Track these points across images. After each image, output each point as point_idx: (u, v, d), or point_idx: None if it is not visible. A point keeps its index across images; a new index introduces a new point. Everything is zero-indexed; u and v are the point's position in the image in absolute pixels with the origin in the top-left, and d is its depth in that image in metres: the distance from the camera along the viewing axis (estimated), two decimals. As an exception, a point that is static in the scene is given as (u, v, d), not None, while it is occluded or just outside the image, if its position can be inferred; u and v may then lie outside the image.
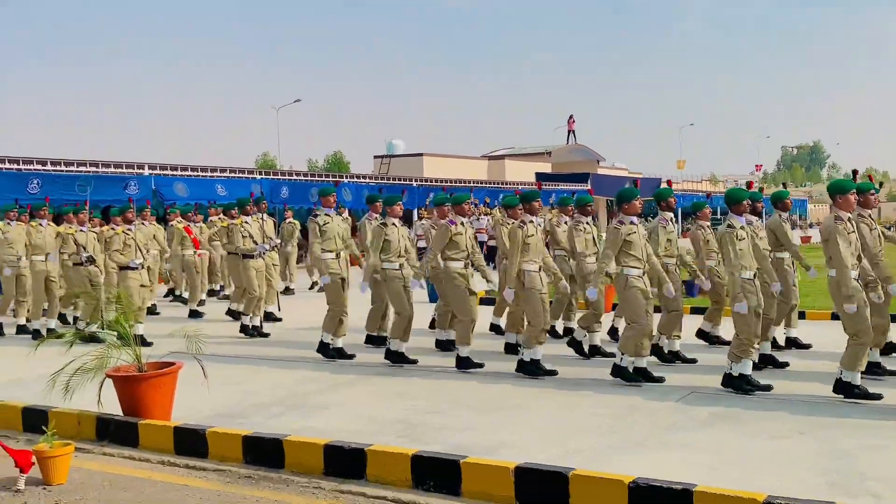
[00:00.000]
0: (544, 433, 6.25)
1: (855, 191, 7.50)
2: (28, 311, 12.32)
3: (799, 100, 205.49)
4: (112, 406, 6.59)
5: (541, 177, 43.13)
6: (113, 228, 11.11)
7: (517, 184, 35.40)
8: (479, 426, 6.50)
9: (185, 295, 15.26)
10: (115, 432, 6.49)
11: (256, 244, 11.73)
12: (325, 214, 9.93)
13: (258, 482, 5.53)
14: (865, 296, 7.24)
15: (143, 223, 13.31)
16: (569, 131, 62.17)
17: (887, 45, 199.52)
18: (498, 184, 37.90)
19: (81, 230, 11.76)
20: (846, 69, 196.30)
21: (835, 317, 11.41)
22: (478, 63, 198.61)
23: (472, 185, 28.67)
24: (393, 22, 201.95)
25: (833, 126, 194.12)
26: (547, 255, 8.85)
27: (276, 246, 12.78)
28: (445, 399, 7.48)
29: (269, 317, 12.54)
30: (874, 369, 7.70)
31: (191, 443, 6.15)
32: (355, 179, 29.74)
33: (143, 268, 11.05)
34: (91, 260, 11.59)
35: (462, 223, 8.96)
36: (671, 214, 9.09)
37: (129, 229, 11.00)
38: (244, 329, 11.47)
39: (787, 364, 8.42)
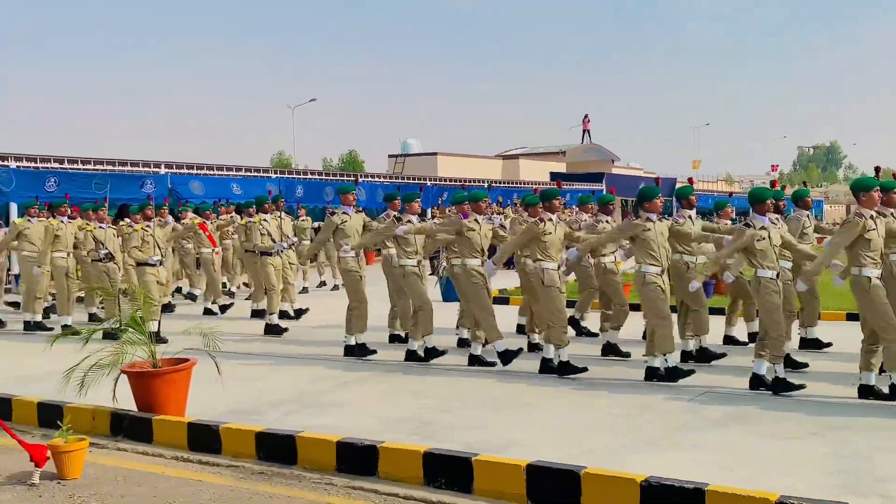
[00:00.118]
0: (557, 432, 6.26)
1: (878, 188, 7.45)
2: (42, 307, 12.45)
3: (816, 100, 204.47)
4: (127, 402, 6.64)
5: (555, 176, 43.09)
6: (131, 225, 11.20)
7: (532, 183, 35.37)
8: (491, 424, 6.51)
9: (196, 292, 15.29)
10: (129, 428, 6.54)
11: (275, 242, 11.79)
12: (344, 213, 9.97)
13: (271, 478, 5.56)
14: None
15: (160, 221, 13.37)
16: (584, 131, 62.06)
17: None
18: (512, 183, 37.87)
19: (101, 227, 11.84)
20: (863, 70, 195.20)
21: (850, 317, 11.40)
22: (493, 62, 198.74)
23: (488, 184, 28.65)
24: (408, 22, 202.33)
25: (850, 126, 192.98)
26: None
27: (293, 244, 12.83)
28: (459, 397, 7.49)
29: (284, 315, 12.57)
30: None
31: (204, 439, 6.19)
32: (370, 179, 29.81)
33: (160, 265, 11.12)
34: (110, 256, 11.67)
35: (476, 220, 8.94)
36: (691, 212, 9.02)
37: (147, 226, 11.08)
38: (269, 329, 11.45)
39: (806, 365, 8.37)
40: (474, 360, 8.87)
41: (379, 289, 10.68)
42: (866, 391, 7.07)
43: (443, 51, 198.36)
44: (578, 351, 8.87)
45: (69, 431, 5.67)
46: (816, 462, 5.42)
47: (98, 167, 20.93)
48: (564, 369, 8.19)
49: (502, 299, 13.49)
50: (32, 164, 19.70)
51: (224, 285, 16.46)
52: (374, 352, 9.54)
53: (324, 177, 29.50)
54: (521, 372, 8.47)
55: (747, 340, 9.59)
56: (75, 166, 20.50)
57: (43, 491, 5.35)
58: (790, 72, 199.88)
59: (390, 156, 47.99)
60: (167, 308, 13.46)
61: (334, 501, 5.11)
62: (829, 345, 9.22)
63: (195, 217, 15.22)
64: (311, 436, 5.87)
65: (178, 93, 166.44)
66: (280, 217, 12.34)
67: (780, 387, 7.28)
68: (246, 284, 16.34)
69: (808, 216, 9.17)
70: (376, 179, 29.72)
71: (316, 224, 18.07)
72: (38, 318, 12.25)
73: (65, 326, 11.60)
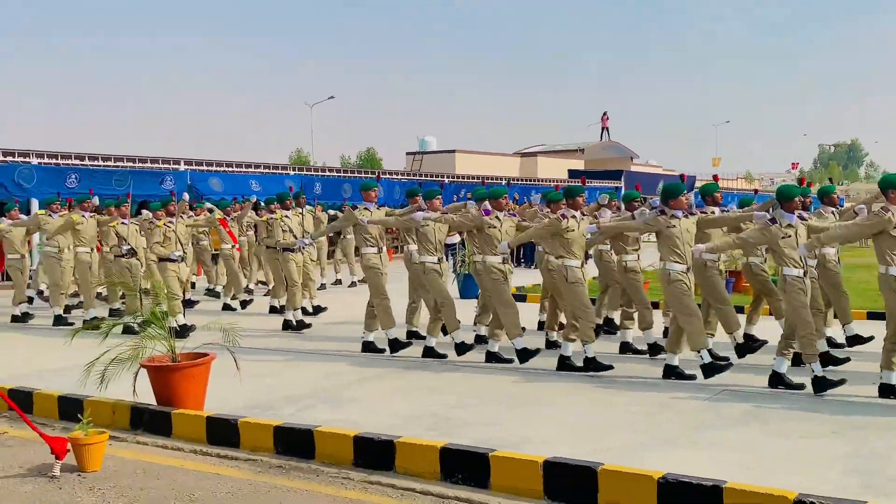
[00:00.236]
0: (574, 429, 6.25)
1: None
2: (63, 301, 12.57)
3: (837, 98, 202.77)
4: (146, 396, 6.69)
5: (573, 174, 43.02)
6: (153, 221, 11.28)
7: (550, 181, 35.29)
8: (508, 421, 6.51)
9: (218, 289, 15.38)
10: (148, 421, 6.59)
11: (296, 238, 11.83)
12: (366, 208, 9.97)
13: (289, 472, 5.58)
14: None
15: (182, 216, 13.44)
16: (602, 128, 61.99)
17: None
18: (530, 180, 37.82)
19: (123, 223, 11.89)
20: (886, 67, 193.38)
21: (871, 315, 11.32)
22: (511, 60, 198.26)
23: (508, 181, 28.57)
24: (426, 19, 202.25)
25: (871, 124, 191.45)
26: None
27: (314, 240, 12.86)
28: (476, 394, 7.49)
29: (304, 311, 12.58)
30: None
31: (223, 432, 6.23)
32: (387, 176, 29.85)
33: (182, 260, 11.19)
34: (132, 252, 11.72)
35: (497, 216, 8.89)
36: (716, 209, 8.86)
37: (170, 222, 11.14)
38: (289, 325, 11.50)
39: (848, 359, 8.27)
40: (491, 357, 8.87)
41: (400, 285, 10.69)
42: (887, 390, 7.01)
43: (461, 49, 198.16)
44: (600, 348, 8.85)
45: (89, 424, 5.71)
46: (835, 461, 5.38)
47: (118, 164, 21.10)
48: (590, 365, 8.17)
49: (519, 297, 13.44)
50: (53, 161, 19.89)
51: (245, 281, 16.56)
52: (410, 343, 9.52)
53: (342, 174, 29.59)
54: (538, 369, 8.46)
55: (768, 340, 9.53)
56: (96, 163, 20.67)
57: (63, 483, 5.40)
58: (811, 69, 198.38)
59: (408, 153, 48.10)
60: (189, 303, 13.54)
61: (351, 496, 5.13)
62: (870, 338, 9.02)
63: (217, 212, 15.30)
64: (328, 430, 5.89)
65: (198, 90, 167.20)
66: (301, 213, 12.37)
67: (822, 386, 7.18)
68: (262, 282, 16.39)
69: (833, 213, 9.09)
70: (394, 177, 29.75)
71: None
72: (60, 311, 12.36)
73: (85, 321, 11.71)
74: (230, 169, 24.04)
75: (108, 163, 20.97)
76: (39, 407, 7.17)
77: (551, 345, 9.62)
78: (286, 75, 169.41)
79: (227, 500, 5.09)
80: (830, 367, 7.93)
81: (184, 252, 11.26)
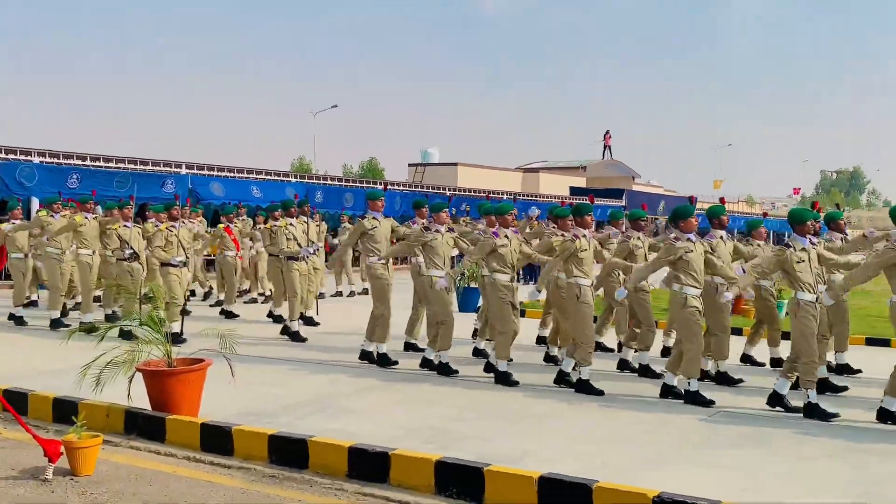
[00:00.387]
0: (572, 445, 6.21)
1: None
2: (64, 303, 12.55)
3: (839, 124, 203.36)
4: (141, 400, 6.66)
5: (575, 191, 43.08)
6: (157, 225, 11.22)
7: (552, 197, 35.33)
8: (505, 436, 6.47)
9: (221, 297, 15.32)
10: (142, 426, 6.55)
11: (300, 247, 11.77)
12: (374, 218, 9.92)
13: (282, 482, 5.55)
14: None
15: (184, 221, 13.41)
16: (605, 146, 62.14)
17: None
18: (531, 196, 37.85)
19: (126, 226, 11.76)
20: (888, 95, 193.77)
21: (869, 342, 11.31)
22: (516, 75, 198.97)
23: (515, 196, 28.58)
24: (432, 31, 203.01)
25: (873, 152, 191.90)
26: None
27: (318, 249, 12.82)
28: (473, 408, 7.46)
29: (307, 321, 12.54)
30: None
31: (217, 440, 6.19)
32: (389, 186, 29.85)
33: (184, 265, 11.11)
34: (135, 256, 11.66)
35: (506, 235, 8.81)
36: (723, 232, 8.80)
37: (172, 226, 11.08)
38: (287, 332, 11.43)
39: (845, 388, 8.28)
40: (491, 368, 8.81)
41: (404, 297, 10.66)
42: (886, 415, 6.98)
43: (466, 62, 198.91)
44: (601, 366, 8.86)
45: (83, 428, 5.68)
46: (833, 484, 5.36)
47: (120, 165, 21.11)
48: (583, 387, 8.13)
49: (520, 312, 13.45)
50: (55, 161, 19.90)
51: (248, 290, 16.58)
52: (396, 363, 9.44)
53: (344, 183, 29.60)
54: (537, 385, 8.43)
55: (766, 363, 9.51)
56: (97, 164, 20.68)
57: (56, 486, 5.36)
58: (812, 95, 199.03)
59: (410, 164, 48.12)
60: (184, 312, 13.48)
61: (345, 507, 5.09)
62: (858, 371, 9.08)
63: (202, 221, 15.34)
64: (323, 440, 5.85)
65: (202, 94, 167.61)
66: (306, 222, 12.32)
67: (813, 413, 7.14)
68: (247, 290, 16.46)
69: (842, 239, 9.06)
70: (395, 188, 29.78)
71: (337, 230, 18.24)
72: (57, 314, 12.31)
73: (82, 323, 11.65)
74: (232, 174, 24.05)
75: (110, 164, 20.99)
76: (34, 408, 7.12)
77: (550, 359, 9.60)
78: (291, 83, 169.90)
79: (220, 508, 5.05)
80: (828, 393, 7.93)
81: (185, 257, 11.18)
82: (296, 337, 11.32)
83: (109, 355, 6.46)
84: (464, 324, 10.77)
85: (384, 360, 9.45)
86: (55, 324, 12.06)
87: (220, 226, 15.22)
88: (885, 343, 11.11)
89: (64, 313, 12.64)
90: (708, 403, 7.55)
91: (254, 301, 15.77)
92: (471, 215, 14.49)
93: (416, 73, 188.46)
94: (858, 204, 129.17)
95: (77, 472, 5.54)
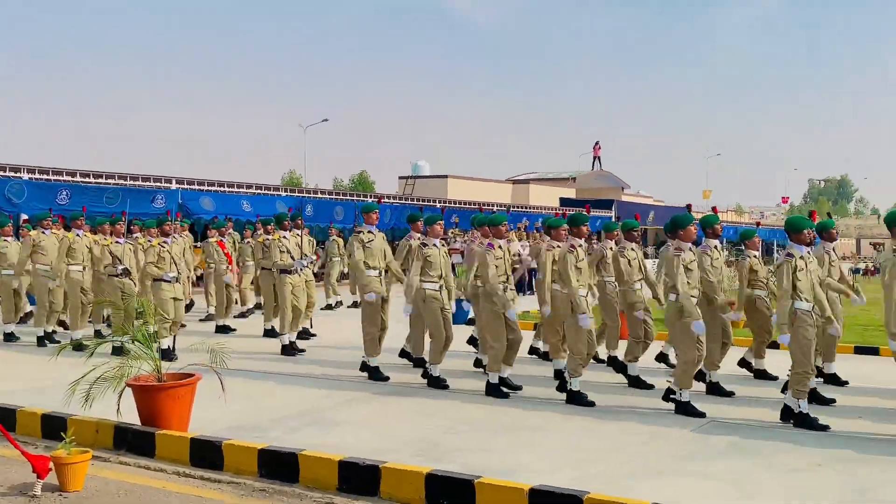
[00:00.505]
0: (562, 457, 6.21)
1: None
2: (56, 320, 12.47)
3: (827, 133, 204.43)
4: (131, 415, 6.62)
5: (565, 202, 43.14)
6: (149, 241, 11.16)
7: (541, 209, 35.38)
8: (496, 447, 6.47)
9: (211, 311, 15.25)
10: (132, 441, 6.52)
11: (294, 260, 11.74)
12: (369, 231, 9.88)
13: (272, 496, 5.52)
14: None
15: (176, 237, 13.35)
16: (594, 157, 62.23)
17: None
18: (521, 208, 37.91)
19: (118, 242, 11.69)
20: (875, 103, 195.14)
21: (858, 350, 11.36)
22: (505, 87, 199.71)
23: (508, 208, 28.54)
24: (421, 44, 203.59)
25: (861, 160, 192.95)
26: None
27: (312, 262, 12.78)
28: (464, 419, 7.45)
29: (303, 334, 12.47)
30: None
31: (207, 454, 6.16)
32: (383, 200, 29.88)
33: (177, 281, 11.04)
34: (127, 272, 11.58)
35: (500, 246, 8.79)
36: (716, 242, 8.67)
37: (164, 242, 11.02)
38: (285, 349, 11.35)
39: (833, 401, 8.22)
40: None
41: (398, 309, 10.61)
42: None
43: (455, 75, 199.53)
44: (595, 378, 8.88)
45: (72, 443, 5.65)
46: (825, 492, 5.37)
47: (109, 181, 21.06)
48: (574, 398, 8.13)
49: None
50: (45, 177, 19.82)
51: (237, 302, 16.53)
52: (388, 378, 9.35)
53: (334, 196, 29.59)
54: (531, 397, 8.43)
55: (778, 376, 9.47)
56: (87, 179, 20.62)
57: (44, 502, 5.33)
58: (801, 105, 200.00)
59: (400, 177, 48.18)
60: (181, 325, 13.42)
61: (336, 521, 5.08)
62: (845, 383, 9.06)
63: (189, 236, 15.32)
64: (313, 454, 5.84)
65: (191, 109, 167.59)
66: (300, 235, 12.28)
67: (803, 423, 7.16)
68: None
69: (833, 248, 9.07)
70: (386, 200, 29.79)
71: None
72: (50, 329, 12.23)
73: (72, 340, 11.57)
74: (222, 189, 24.02)
75: (100, 180, 20.93)
76: (22, 424, 7.08)
77: (534, 350, 9.60)
78: (281, 97, 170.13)
79: (210, 523, 5.03)
80: (815, 404, 7.96)
81: (178, 272, 11.12)
82: (286, 350, 11.28)
83: (99, 371, 6.44)
84: (459, 336, 10.76)
85: (376, 375, 9.42)
86: (41, 340, 12.00)
87: (213, 240, 15.20)
88: (873, 351, 11.15)
89: (53, 331, 12.53)
90: (699, 415, 7.55)
91: (243, 316, 15.70)
92: (460, 227, 14.52)
93: (406, 87, 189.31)
94: (846, 212, 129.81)
95: (66, 488, 5.51)
